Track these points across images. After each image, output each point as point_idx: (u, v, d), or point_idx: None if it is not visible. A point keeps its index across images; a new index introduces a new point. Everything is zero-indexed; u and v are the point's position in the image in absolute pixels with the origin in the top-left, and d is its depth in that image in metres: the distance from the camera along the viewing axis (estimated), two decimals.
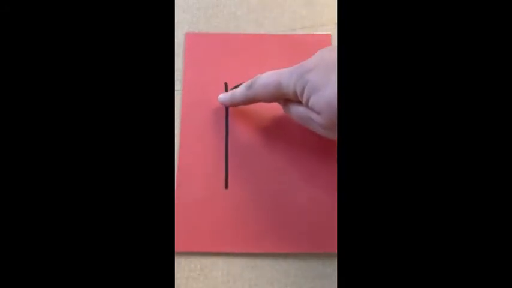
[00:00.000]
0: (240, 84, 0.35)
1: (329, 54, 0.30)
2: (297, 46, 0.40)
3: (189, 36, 0.41)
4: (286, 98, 0.33)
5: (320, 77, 0.29)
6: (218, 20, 0.42)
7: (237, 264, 0.34)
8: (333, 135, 0.30)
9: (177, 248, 0.34)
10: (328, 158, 0.36)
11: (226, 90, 0.39)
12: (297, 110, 0.32)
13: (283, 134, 0.37)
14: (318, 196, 0.35)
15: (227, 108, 0.38)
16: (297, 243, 0.34)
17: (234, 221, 0.35)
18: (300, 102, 0.31)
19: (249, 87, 0.34)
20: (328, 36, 0.41)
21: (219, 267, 0.34)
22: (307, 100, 0.30)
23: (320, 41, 0.41)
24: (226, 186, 0.36)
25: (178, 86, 0.39)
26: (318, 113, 0.30)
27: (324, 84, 0.29)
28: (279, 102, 0.34)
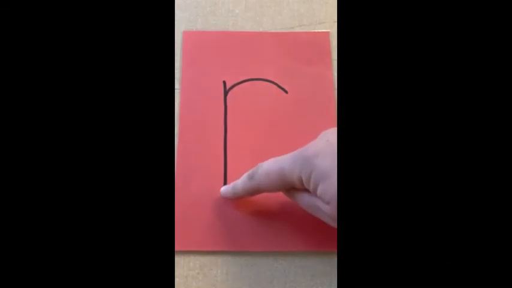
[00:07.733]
0: (240, 83, 0.35)
1: (334, 137, 0.27)
2: (295, 44, 0.40)
3: (186, 34, 0.41)
4: (292, 187, 0.30)
5: (328, 162, 0.26)
6: (216, 18, 0.42)
7: (236, 263, 0.34)
8: None
9: (175, 247, 0.33)
10: None
11: (225, 89, 0.39)
12: (302, 198, 0.29)
13: (282, 130, 0.37)
14: None
15: (225, 107, 0.38)
16: (297, 242, 0.34)
17: (233, 219, 0.34)
18: (306, 190, 0.29)
19: (251, 177, 0.31)
20: (327, 34, 0.41)
21: (218, 265, 0.34)
22: (315, 188, 0.27)
23: (318, 39, 0.41)
24: (225, 184, 0.36)
25: (176, 85, 0.39)
26: (327, 202, 0.27)
27: (333, 170, 0.26)
28: (283, 191, 0.31)
